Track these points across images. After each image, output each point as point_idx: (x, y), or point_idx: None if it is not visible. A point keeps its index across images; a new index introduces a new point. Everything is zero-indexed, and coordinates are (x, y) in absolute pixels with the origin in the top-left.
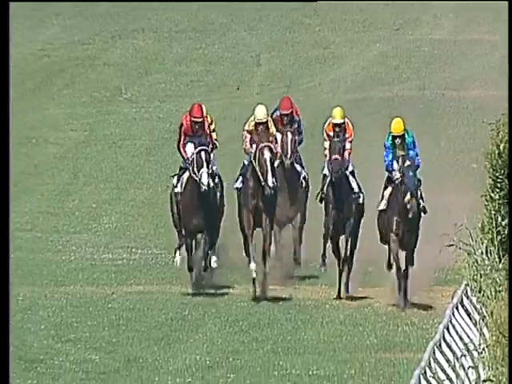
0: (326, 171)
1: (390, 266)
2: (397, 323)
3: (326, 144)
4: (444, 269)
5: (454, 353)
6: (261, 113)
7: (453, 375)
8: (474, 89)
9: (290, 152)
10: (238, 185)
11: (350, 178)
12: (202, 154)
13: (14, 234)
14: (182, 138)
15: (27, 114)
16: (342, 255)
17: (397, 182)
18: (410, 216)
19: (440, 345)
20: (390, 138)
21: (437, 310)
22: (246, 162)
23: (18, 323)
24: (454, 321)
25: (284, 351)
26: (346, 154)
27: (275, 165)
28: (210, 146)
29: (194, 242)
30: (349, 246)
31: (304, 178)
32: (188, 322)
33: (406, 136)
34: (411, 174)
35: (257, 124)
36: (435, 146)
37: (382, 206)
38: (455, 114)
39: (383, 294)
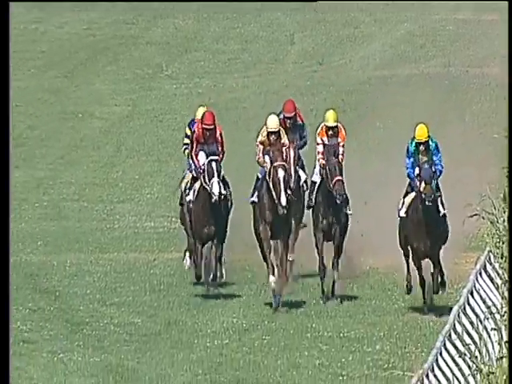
0: (315, 178)
1: (408, 272)
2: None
3: (319, 148)
4: (468, 236)
5: (477, 316)
6: (273, 123)
7: (476, 337)
8: (496, 66)
9: (292, 169)
10: (254, 199)
11: (343, 188)
12: (213, 164)
13: (62, 204)
14: (195, 145)
15: (73, 90)
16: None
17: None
18: (426, 203)
19: (464, 308)
20: (414, 144)
21: (461, 275)
22: (260, 176)
23: (64, 288)
24: (477, 285)
25: (316, 314)
26: (340, 160)
27: (289, 183)
28: (221, 154)
29: (201, 251)
30: (337, 253)
31: (305, 181)
32: (225, 288)
33: (430, 142)
34: (427, 166)
35: (269, 133)
36: (460, 121)
37: (402, 214)
38: (478, 91)
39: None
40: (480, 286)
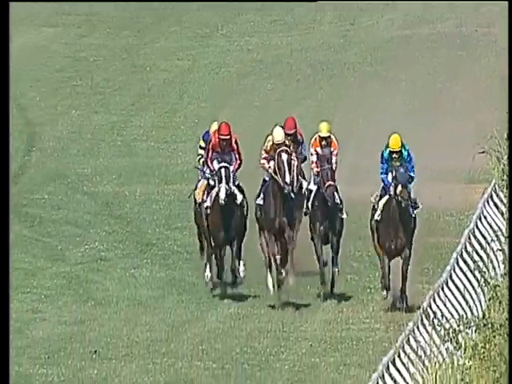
0: (311, 186)
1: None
2: (439, 214)
3: (313, 158)
4: (477, 170)
5: (485, 238)
6: (278, 135)
7: (484, 256)
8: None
9: (295, 179)
10: (260, 201)
11: (335, 193)
12: (223, 170)
13: (133, 144)
14: (210, 153)
15: (142, 47)
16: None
17: (391, 193)
18: (402, 205)
19: (474, 232)
20: (388, 152)
21: (471, 203)
22: (267, 178)
23: (135, 214)
24: (485, 212)
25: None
26: (334, 167)
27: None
28: (238, 162)
29: (221, 256)
30: (335, 252)
31: (307, 188)
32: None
33: (403, 150)
34: (402, 170)
35: (274, 144)
36: (469, 73)
37: (376, 217)
38: (486, 47)
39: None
40: (487, 212)
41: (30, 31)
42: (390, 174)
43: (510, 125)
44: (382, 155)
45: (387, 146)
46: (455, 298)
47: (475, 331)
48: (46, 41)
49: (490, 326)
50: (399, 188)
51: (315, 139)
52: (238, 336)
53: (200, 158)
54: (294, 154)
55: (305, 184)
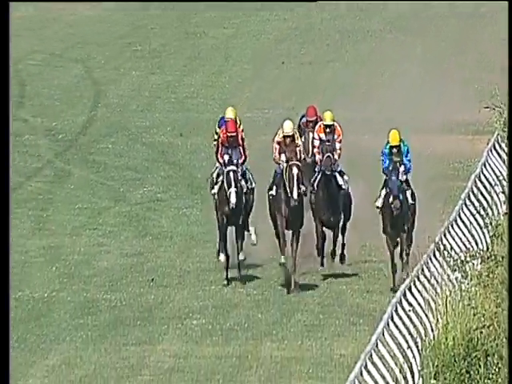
0: (316, 169)
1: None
2: (449, 162)
3: (316, 143)
4: (482, 123)
5: (489, 182)
6: (288, 127)
7: (488, 198)
8: None
9: (311, 149)
10: (273, 192)
11: (338, 176)
12: (231, 174)
13: (185, 100)
14: (220, 148)
15: (193, 16)
16: (332, 247)
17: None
18: (394, 214)
19: (479, 176)
20: (388, 147)
21: (476, 152)
22: (278, 171)
23: (186, 161)
24: (489, 160)
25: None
26: (336, 155)
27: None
28: (243, 157)
29: (227, 237)
30: (339, 239)
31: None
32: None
33: (402, 145)
34: (394, 177)
35: (285, 136)
36: (476, 40)
37: (379, 204)
38: (490, 18)
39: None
40: (491, 159)
41: (95, 3)
42: (391, 166)
43: (509, 118)
44: (383, 151)
45: (387, 142)
46: (463, 233)
47: (480, 262)
48: (109, 11)
49: (493, 258)
50: (391, 199)
51: (319, 126)
52: (276, 267)
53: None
54: (310, 133)
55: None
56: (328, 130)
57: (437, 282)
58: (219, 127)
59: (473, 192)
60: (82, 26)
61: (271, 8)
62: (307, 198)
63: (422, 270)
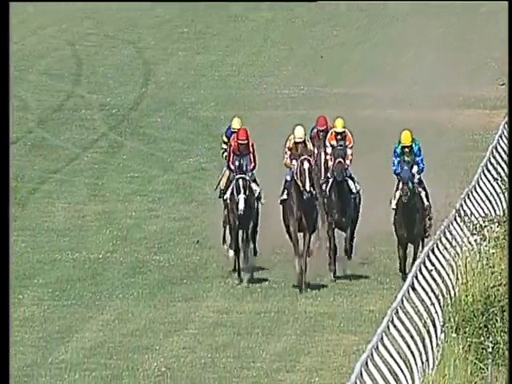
0: (328, 175)
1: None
2: (469, 134)
3: (328, 150)
4: (499, 99)
5: (505, 152)
6: (299, 133)
7: (505, 167)
8: None
9: (323, 171)
10: (285, 197)
11: (350, 181)
12: (240, 181)
13: (228, 78)
14: (231, 156)
15: (234, 3)
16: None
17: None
18: (404, 201)
19: (496, 147)
20: (400, 147)
21: (494, 125)
22: (289, 178)
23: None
24: (505, 132)
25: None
26: (348, 160)
27: (312, 175)
28: (253, 164)
29: (238, 237)
30: (348, 240)
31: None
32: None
33: (414, 145)
34: (406, 168)
35: (296, 143)
36: (490, 23)
37: (393, 206)
38: (499, 4)
39: None
40: (507, 132)
41: None
42: (401, 166)
43: (510, 118)
44: (395, 151)
45: (399, 142)
46: (482, 199)
47: (497, 226)
48: None
49: (509, 221)
50: (400, 185)
51: (331, 133)
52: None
53: (223, 152)
54: (321, 148)
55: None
56: (339, 137)
57: (457, 244)
58: (226, 137)
59: (490, 162)
60: (134, 11)
61: None
62: (319, 202)
63: (444, 233)
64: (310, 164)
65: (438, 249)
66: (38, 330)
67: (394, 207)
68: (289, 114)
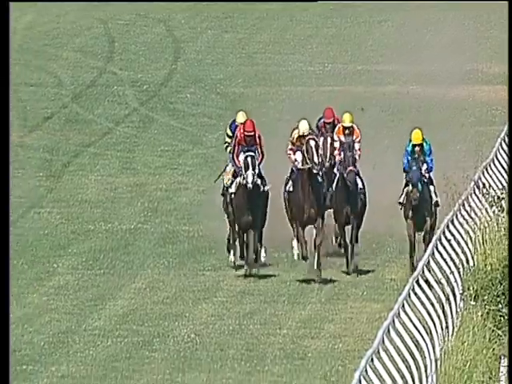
0: (335, 170)
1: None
2: (487, 109)
3: (336, 144)
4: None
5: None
6: (304, 127)
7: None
8: None
9: (328, 154)
10: (290, 189)
11: (357, 177)
12: (249, 159)
13: (253, 55)
14: (236, 148)
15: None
16: (348, 241)
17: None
18: (413, 203)
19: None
20: (411, 146)
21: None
22: (295, 169)
23: (255, 109)
24: None
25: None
26: (356, 155)
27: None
28: (260, 157)
29: (245, 237)
30: (353, 235)
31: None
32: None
33: (424, 144)
34: (415, 168)
35: (300, 136)
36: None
37: (401, 199)
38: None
39: None
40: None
41: None
42: (414, 167)
43: (510, 118)
44: (406, 149)
45: (410, 140)
46: (499, 172)
47: None
48: None
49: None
50: (410, 187)
51: (339, 128)
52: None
53: (227, 146)
54: (329, 138)
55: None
56: (347, 131)
57: (476, 215)
58: (231, 130)
59: (501, 147)
60: None
61: None
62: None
63: (463, 205)
64: (316, 142)
65: (458, 220)
66: (73, 297)
67: (401, 201)
68: (314, 90)
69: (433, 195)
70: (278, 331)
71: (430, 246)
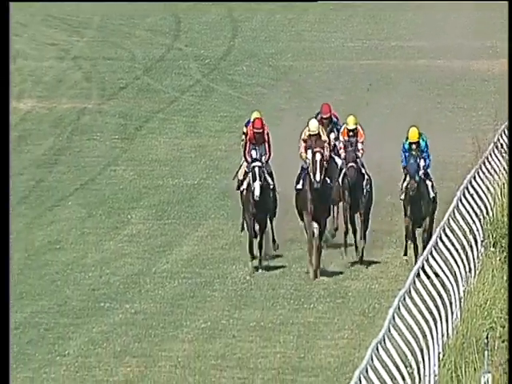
0: (340, 164)
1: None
2: (505, 80)
3: (341, 144)
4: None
5: None
6: (313, 126)
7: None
8: None
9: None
10: (299, 186)
11: (362, 169)
12: (256, 169)
13: (302, 33)
14: (248, 145)
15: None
16: (358, 229)
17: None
18: (411, 194)
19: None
20: (408, 143)
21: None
22: (305, 166)
23: (304, 80)
24: None
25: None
26: (359, 153)
27: (324, 165)
28: (268, 154)
29: (256, 228)
30: (363, 223)
31: (340, 168)
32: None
33: (421, 141)
34: (412, 161)
35: (310, 135)
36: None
37: (402, 196)
38: None
39: None
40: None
41: None
42: (411, 160)
43: (510, 119)
44: (403, 146)
45: (407, 138)
46: None
47: None
48: None
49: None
50: (407, 179)
51: (344, 129)
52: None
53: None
54: (327, 130)
55: (338, 161)
56: (351, 133)
57: (495, 172)
58: (246, 127)
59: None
60: None
61: None
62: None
63: (484, 163)
64: (323, 156)
65: (479, 176)
66: (144, 244)
67: (403, 198)
68: (353, 64)
69: (430, 190)
70: (323, 275)
71: (455, 199)
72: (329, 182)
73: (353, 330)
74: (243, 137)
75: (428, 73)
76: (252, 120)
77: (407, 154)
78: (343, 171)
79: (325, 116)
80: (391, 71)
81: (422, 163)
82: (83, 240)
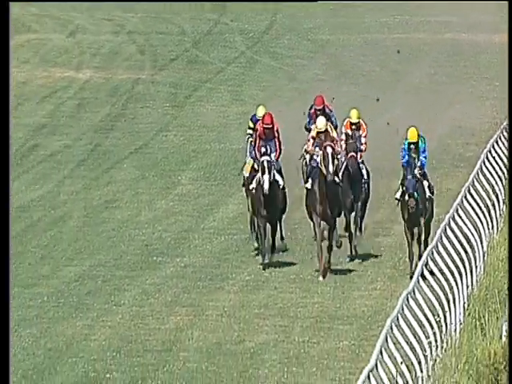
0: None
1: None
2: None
3: (343, 137)
4: None
5: None
6: (321, 124)
7: None
8: None
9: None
10: (309, 186)
11: (362, 167)
12: (265, 163)
13: (340, 9)
14: (258, 141)
15: None
16: (353, 230)
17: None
18: (410, 212)
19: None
20: (407, 144)
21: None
22: (314, 164)
23: (340, 52)
24: None
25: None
26: (362, 147)
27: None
28: (278, 151)
29: (264, 229)
30: (358, 222)
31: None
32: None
33: (420, 142)
34: (410, 176)
35: (318, 132)
36: None
37: (398, 196)
38: None
39: None
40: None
41: None
42: (408, 158)
43: (510, 119)
44: (402, 148)
45: (406, 138)
46: None
47: None
48: None
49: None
50: (406, 197)
51: (347, 122)
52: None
53: (249, 138)
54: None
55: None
56: (354, 127)
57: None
58: (252, 123)
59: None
60: None
61: None
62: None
63: (505, 129)
64: (334, 150)
65: (501, 141)
66: (193, 203)
67: (398, 198)
68: (385, 37)
69: (426, 190)
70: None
71: (478, 162)
72: (338, 181)
73: (385, 282)
74: (249, 131)
75: (454, 46)
76: (260, 115)
77: (406, 154)
78: (343, 168)
79: (318, 107)
80: (420, 44)
81: (418, 163)
82: (137, 199)
